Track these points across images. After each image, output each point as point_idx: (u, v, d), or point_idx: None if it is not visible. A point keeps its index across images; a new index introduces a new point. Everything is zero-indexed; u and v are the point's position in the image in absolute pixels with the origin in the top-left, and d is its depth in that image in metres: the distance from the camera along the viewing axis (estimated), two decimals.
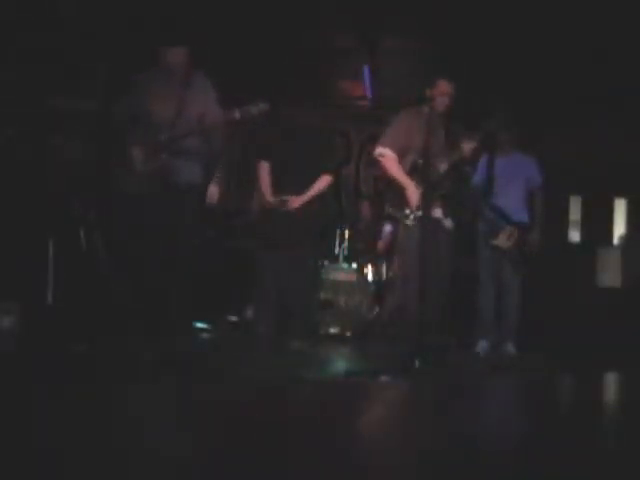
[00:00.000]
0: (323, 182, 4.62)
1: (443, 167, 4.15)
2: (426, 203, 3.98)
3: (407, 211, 4.04)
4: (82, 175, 4.87)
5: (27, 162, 4.88)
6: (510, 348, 4.79)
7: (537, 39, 5.23)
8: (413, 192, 4.05)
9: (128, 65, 4.94)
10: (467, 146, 4.13)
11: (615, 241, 7.27)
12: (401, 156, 4.15)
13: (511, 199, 4.82)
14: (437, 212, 4.18)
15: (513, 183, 4.83)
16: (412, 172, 4.12)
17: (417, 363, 4.07)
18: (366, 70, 6.16)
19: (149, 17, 4.99)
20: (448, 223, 4.23)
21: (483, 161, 4.96)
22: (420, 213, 4.01)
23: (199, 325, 5.23)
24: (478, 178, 4.96)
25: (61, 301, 4.58)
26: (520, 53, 5.42)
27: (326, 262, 5.69)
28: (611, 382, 4.40)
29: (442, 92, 4.16)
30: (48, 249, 4.71)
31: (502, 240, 4.74)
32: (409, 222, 4.05)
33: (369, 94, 6.70)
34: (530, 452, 2.30)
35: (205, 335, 5.11)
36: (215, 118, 4.10)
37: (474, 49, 5.43)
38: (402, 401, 3.33)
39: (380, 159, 4.15)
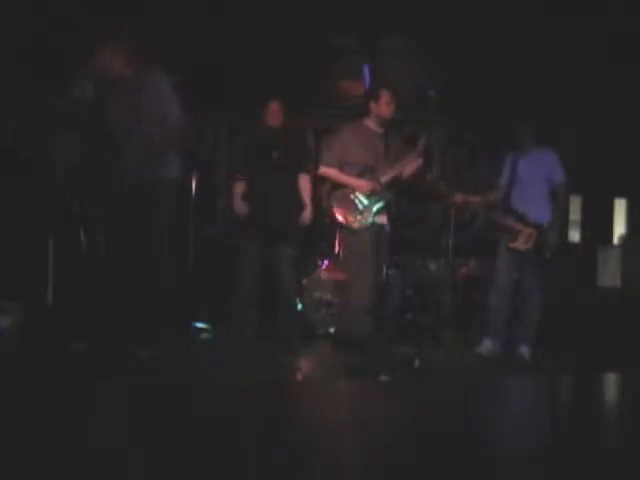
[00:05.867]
0: (308, 184, 4.94)
1: (385, 178, 4.49)
2: (370, 211, 4.45)
3: (352, 219, 4.42)
4: (81, 174, 4.86)
5: (27, 161, 4.88)
6: (524, 351, 4.69)
7: (537, 39, 5.23)
8: (361, 184, 4.44)
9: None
10: (410, 166, 4.51)
11: (615, 241, 7.26)
12: (341, 170, 4.52)
13: (533, 199, 4.75)
14: (382, 218, 4.55)
15: (534, 182, 4.76)
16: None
17: (417, 363, 4.09)
18: (366, 69, 6.16)
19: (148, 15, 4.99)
20: (387, 228, 4.63)
21: (508, 162, 4.91)
22: (366, 222, 4.42)
23: (199, 325, 5.23)
24: (504, 180, 4.91)
25: (61, 301, 4.58)
26: (520, 53, 5.42)
27: (326, 261, 5.69)
28: (611, 382, 4.40)
29: (386, 102, 4.47)
30: (48, 249, 4.71)
31: (521, 242, 4.70)
32: (357, 226, 4.42)
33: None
34: (529, 452, 2.30)
35: (205, 335, 5.10)
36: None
37: (474, 50, 5.42)
38: (400, 400, 3.32)
39: (324, 175, 4.57)
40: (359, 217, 4.42)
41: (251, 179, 4.84)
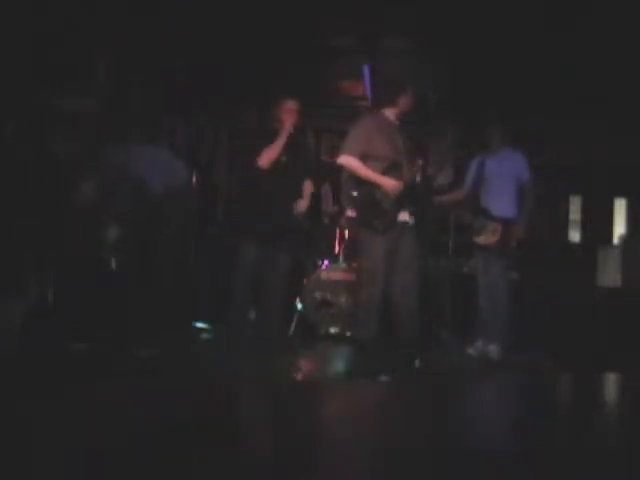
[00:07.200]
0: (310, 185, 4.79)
1: (410, 177, 4.26)
2: (396, 208, 4.18)
3: (377, 221, 4.15)
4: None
5: (27, 161, 4.87)
6: (492, 350, 4.65)
7: (537, 38, 5.23)
8: (392, 183, 4.16)
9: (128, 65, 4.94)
10: (416, 164, 4.31)
11: (615, 241, 7.26)
12: (363, 163, 4.21)
13: (500, 196, 4.80)
14: (404, 215, 4.26)
15: (502, 180, 4.82)
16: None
17: (417, 363, 4.09)
18: (366, 69, 6.16)
19: (149, 15, 5.00)
20: (410, 224, 4.32)
21: (476, 161, 4.96)
22: (391, 222, 4.15)
23: (199, 325, 5.23)
24: (471, 179, 4.96)
25: (61, 301, 4.57)
26: (520, 52, 5.42)
27: (326, 261, 5.69)
28: (611, 382, 4.40)
29: (411, 96, 4.30)
30: (49, 249, 4.70)
31: (485, 237, 4.75)
32: (381, 228, 4.15)
33: (369, 94, 6.70)
34: (529, 451, 2.30)
35: (205, 335, 5.10)
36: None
37: (474, 49, 5.43)
38: (400, 400, 3.32)
39: (346, 166, 4.23)
40: (384, 219, 4.16)
41: (256, 179, 4.72)
